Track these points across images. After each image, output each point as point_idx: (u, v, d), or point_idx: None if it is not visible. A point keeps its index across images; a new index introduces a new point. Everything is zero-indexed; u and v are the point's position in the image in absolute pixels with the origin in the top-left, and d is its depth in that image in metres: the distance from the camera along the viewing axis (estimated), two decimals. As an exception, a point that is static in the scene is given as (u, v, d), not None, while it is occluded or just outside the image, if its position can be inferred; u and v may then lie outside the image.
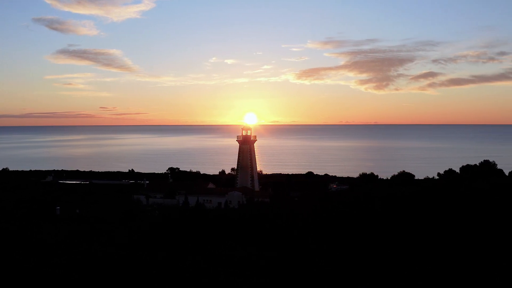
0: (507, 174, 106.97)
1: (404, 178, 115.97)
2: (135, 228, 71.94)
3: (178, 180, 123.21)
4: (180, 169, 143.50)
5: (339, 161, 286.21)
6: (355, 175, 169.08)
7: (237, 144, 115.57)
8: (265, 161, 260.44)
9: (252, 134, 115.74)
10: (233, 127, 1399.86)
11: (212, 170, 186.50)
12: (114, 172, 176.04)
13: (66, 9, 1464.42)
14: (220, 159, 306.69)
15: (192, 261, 44.82)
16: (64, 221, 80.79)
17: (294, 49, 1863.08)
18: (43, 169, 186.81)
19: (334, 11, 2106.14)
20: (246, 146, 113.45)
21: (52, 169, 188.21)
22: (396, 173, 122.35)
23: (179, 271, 39.26)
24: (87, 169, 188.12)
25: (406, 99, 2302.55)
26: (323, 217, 68.80)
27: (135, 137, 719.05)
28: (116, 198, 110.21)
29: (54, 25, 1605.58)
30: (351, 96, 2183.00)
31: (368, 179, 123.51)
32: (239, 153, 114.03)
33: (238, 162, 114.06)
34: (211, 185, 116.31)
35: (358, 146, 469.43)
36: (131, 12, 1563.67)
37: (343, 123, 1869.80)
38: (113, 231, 68.11)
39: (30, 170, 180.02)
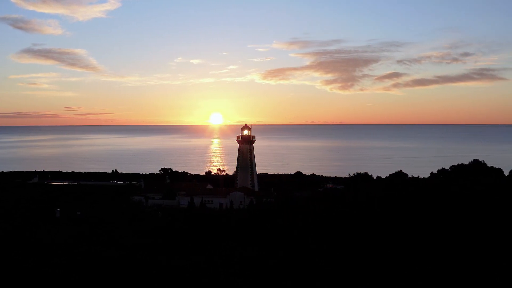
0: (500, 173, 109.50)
1: (400, 177, 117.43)
2: (145, 230, 71.09)
3: (174, 181, 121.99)
4: (172, 169, 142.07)
5: (310, 161, 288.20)
6: (342, 174, 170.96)
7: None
8: (234, 160, 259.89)
9: (252, 135, 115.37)
10: (199, 127, 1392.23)
11: (191, 170, 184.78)
12: (97, 173, 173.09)
13: (31, 8, 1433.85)
14: (194, 159, 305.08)
15: (215, 264, 44.49)
16: (66, 223, 79.01)
17: (260, 49, 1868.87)
18: (14, 170, 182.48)
19: (300, 11, 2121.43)
20: (245, 147, 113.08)
21: (21, 170, 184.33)
22: (392, 172, 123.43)
23: (196, 275, 38.85)
24: (69, 170, 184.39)
25: (371, 99, 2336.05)
26: (334, 217, 69.25)
27: (102, 138, 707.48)
28: (115, 199, 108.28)
29: (19, 24, 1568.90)
30: (317, 96, 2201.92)
31: (362, 178, 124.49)
32: (238, 153, 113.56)
33: (238, 162, 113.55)
34: (209, 186, 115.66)
35: (325, 146, 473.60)
36: (96, 11, 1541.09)
37: (309, 123, 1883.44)
38: (123, 235, 66.94)
39: (11, 171, 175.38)
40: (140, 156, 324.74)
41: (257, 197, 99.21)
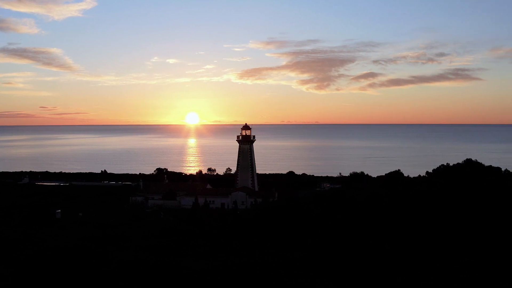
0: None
1: (398, 177, 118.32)
2: (155, 232, 70.21)
3: (172, 181, 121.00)
4: (168, 169, 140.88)
5: (291, 161, 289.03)
6: (330, 174, 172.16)
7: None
8: (217, 160, 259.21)
9: (252, 134, 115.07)
10: (175, 126, 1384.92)
11: (178, 170, 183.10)
12: (87, 173, 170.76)
13: (7, 7, 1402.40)
14: (176, 159, 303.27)
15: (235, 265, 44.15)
16: (69, 225, 77.53)
17: (236, 49, 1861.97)
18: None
19: (276, 11, 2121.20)
20: (246, 146, 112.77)
21: (3, 170, 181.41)
22: (388, 172, 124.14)
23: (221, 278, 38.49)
24: (51, 170, 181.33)
25: (347, 99, 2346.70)
26: (346, 217, 69.45)
27: (79, 137, 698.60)
28: (114, 200, 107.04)
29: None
30: (293, 96, 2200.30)
31: (359, 178, 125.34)
32: (239, 153, 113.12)
33: (238, 162, 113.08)
34: (208, 186, 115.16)
35: (303, 145, 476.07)
36: (72, 10, 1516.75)
37: (285, 123, 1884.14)
38: (133, 236, 65.94)
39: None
40: (121, 157, 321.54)
41: (262, 197, 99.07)
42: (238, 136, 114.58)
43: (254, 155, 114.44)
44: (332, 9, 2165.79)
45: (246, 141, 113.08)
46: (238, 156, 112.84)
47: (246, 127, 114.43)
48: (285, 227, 67.65)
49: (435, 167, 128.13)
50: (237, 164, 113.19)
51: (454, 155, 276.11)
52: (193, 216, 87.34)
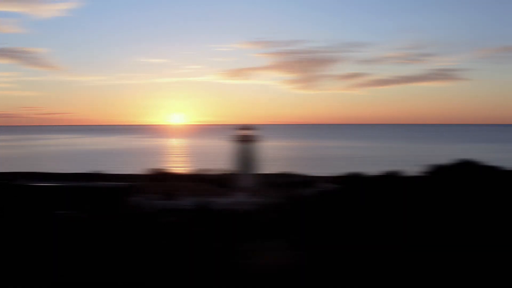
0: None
1: (394, 177, 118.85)
2: (158, 232, 69.62)
3: (171, 181, 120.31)
4: (163, 169, 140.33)
5: (278, 160, 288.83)
6: (327, 174, 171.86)
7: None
8: (207, 160, 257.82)
9: (252, 134, 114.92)
10: (161, 126, 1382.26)
11: (170, 169, 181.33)
12: (80, 173, 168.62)
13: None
14: (164, 159, 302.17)
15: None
16: (70, 226, 76.74)
17: (222, 49, 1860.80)
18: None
19: (262, 11, 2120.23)
20: (246, 146, 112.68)
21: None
22: (384, 172, 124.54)
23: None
24: (46, 171, 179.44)
25: (332, 99, 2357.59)
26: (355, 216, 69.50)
27: (67, 137, 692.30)
28: (114, 200, 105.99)
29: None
30: (279, 95, 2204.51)
31: (356, 178, 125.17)
32: (239, 153, 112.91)
33: (238, 162, 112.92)
34: (208, 186, 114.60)
35: (288, 145, 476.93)
36: (58, 10, 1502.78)
37: (271, 122, 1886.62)
38: (137, 237, 65.37)
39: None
40: (110, 157, 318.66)
41: (264, 197, 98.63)
42: (238, 136, 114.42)
43: (254, 155, 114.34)
44: (318, 9, 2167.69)
45: (246, 141, 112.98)
46: (239, 156, 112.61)
47: (246, 126, 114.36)
48: (287, 227, 67.74)
49: (425, 166, 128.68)
50: (237, 164, 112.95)
51: (441, 154, 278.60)
52: (197, 216, 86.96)
